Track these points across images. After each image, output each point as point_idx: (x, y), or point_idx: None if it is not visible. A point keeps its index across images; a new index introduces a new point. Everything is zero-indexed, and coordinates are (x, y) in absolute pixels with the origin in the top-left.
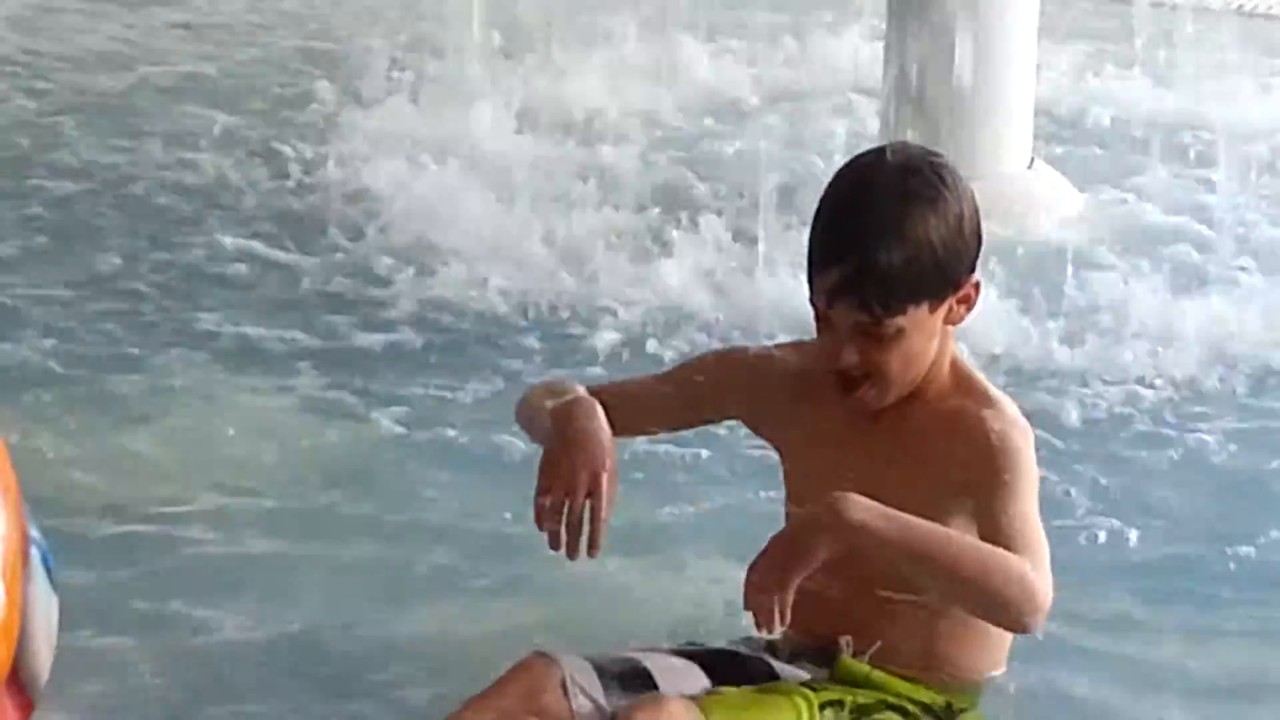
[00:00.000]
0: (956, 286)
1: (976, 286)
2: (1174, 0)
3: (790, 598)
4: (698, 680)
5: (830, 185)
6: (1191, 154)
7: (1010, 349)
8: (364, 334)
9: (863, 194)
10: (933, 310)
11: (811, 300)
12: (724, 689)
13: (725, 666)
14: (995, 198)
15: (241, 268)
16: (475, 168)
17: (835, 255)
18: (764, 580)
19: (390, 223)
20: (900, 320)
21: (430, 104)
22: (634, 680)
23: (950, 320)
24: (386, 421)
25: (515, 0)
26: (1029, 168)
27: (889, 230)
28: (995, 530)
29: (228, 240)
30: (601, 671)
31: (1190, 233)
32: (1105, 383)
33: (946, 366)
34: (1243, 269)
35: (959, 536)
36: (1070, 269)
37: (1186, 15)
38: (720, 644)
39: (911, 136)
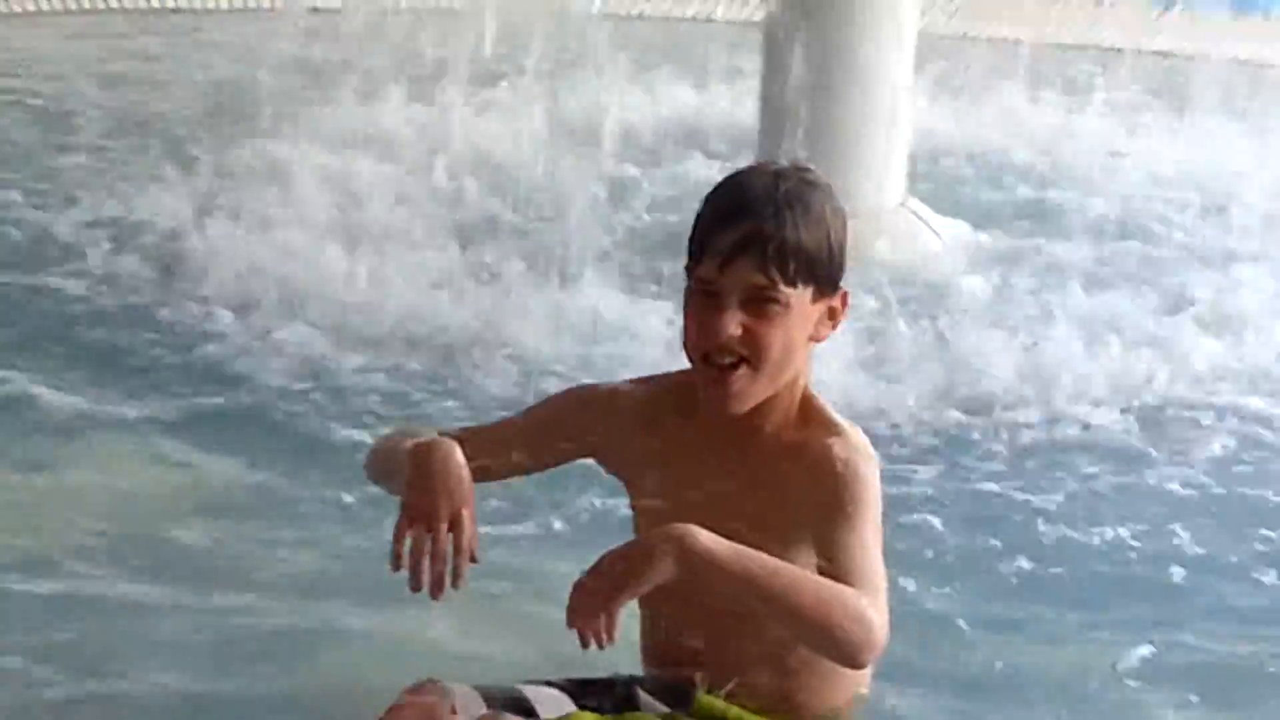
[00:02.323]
0: (834, 288)
1: (844, 302)
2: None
3: (617, 617)
4: (571, 711)
5: (726, 178)
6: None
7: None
8: None
9: (768, 175)
10: (815, 301)
11: (694, 274)
12: (583, 713)
13: (595, 699)
14: (871, 232)
15: None
16: None
17: (741, 214)
18: (591, 597)
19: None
20: (791, 293)
21: None
22: (516, 708)
23: (817, 333)
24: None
25: None
26: (902, 204)
27: (798, 203)
28: (834, 561)
29: None
30: (489, 700)
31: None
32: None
33: (798, 395)
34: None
35: (799, 573)
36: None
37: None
38: (599, 675)
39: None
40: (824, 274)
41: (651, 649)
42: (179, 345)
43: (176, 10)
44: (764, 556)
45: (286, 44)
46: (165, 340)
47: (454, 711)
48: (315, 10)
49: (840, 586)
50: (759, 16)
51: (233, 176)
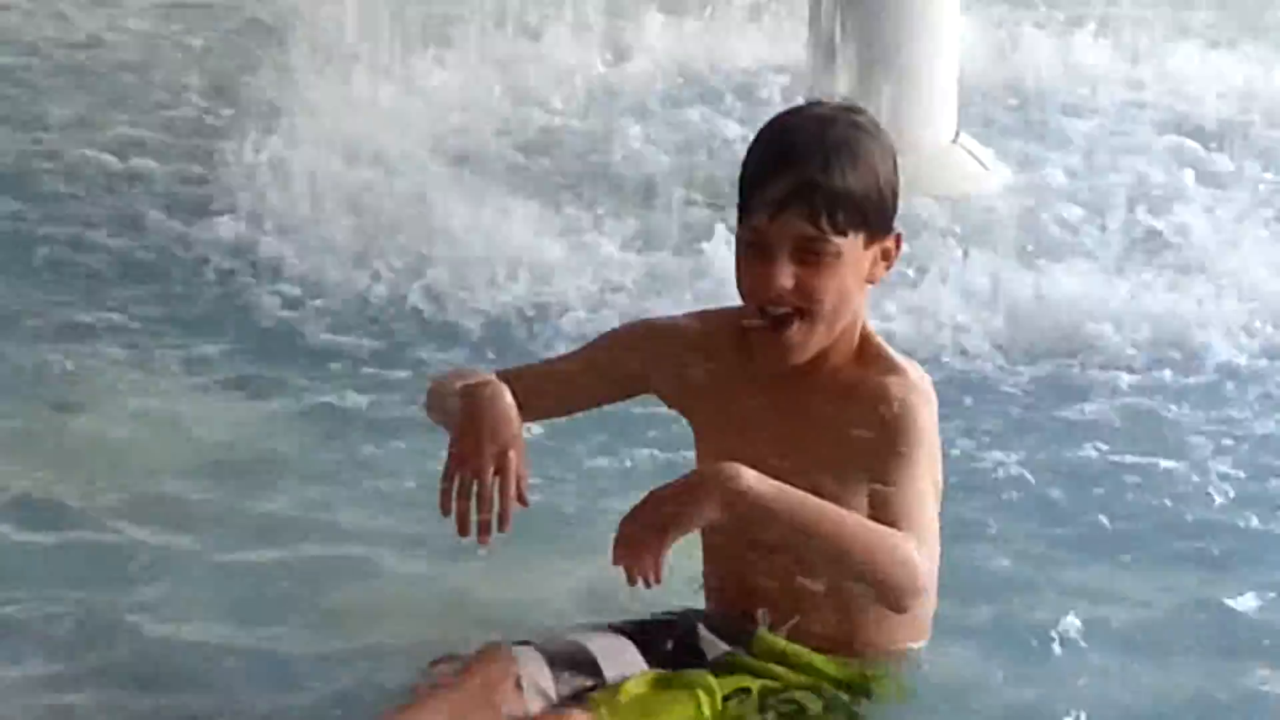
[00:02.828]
0: (887, 230)
1: (898, 242)
2: None
3: (663, 555)
4: (634, 659)
5: (772, 120)
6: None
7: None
8: None
9: (814, 119)
10: (867, 246)
11: (746, 224)
12: (626, 683)
13: (657, 640)
14: (920, 170)
15: None
16: None
17: (789, 163)
18: (637, 535)
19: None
20: (842, 242)
21: None
22: (580, 665)
23: (872, 275)
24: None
25: None
26: (954, 141)
27: (845, 149)
28: (885, 503)
29: None
30: (552, 661)
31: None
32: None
33: (857, 333)
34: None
35: (846, 515)
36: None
37: None
38: (659, 614)
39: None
40: (875, 219)
41: (714, 586)
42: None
43: None
44: (810, 498)
45: None
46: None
47: (519, 686)
48: None
49: (887, 530)
50: None
51: None
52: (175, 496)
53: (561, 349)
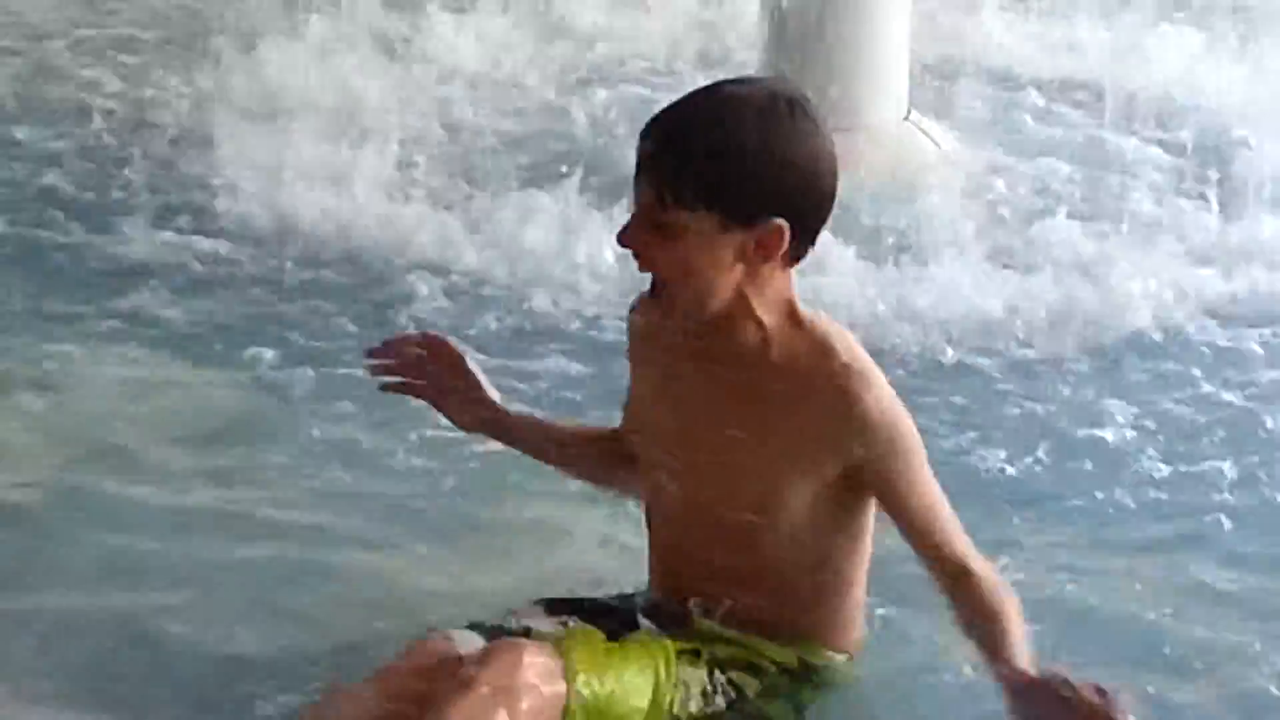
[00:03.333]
0: (754, 216)
1: (780, 236)
2: None
3: None
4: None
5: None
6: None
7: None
8: None
9: (706, 91)
10: (724, 229)
11: None
12: (584, 626)
13: (597, 623)
14: (871, 147)
15: None
16: None
17: (652, 129)
18: None
19: None
20: (683, 217)
21: None
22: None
23: (747, 261)
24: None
25: None
26: (905, 118)
27: (714, 124)
28: (913, 516)
29: None
30: (490, 639)
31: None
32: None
33: (783, 319)
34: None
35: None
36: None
37: None
38: (601, 598)
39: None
40: (729, 200)
41: (655, 570)
42: None
43: None
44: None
45: None
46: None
47: (460, 661)
48: None
49: (996, 603)
50: None
51: None
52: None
53: None
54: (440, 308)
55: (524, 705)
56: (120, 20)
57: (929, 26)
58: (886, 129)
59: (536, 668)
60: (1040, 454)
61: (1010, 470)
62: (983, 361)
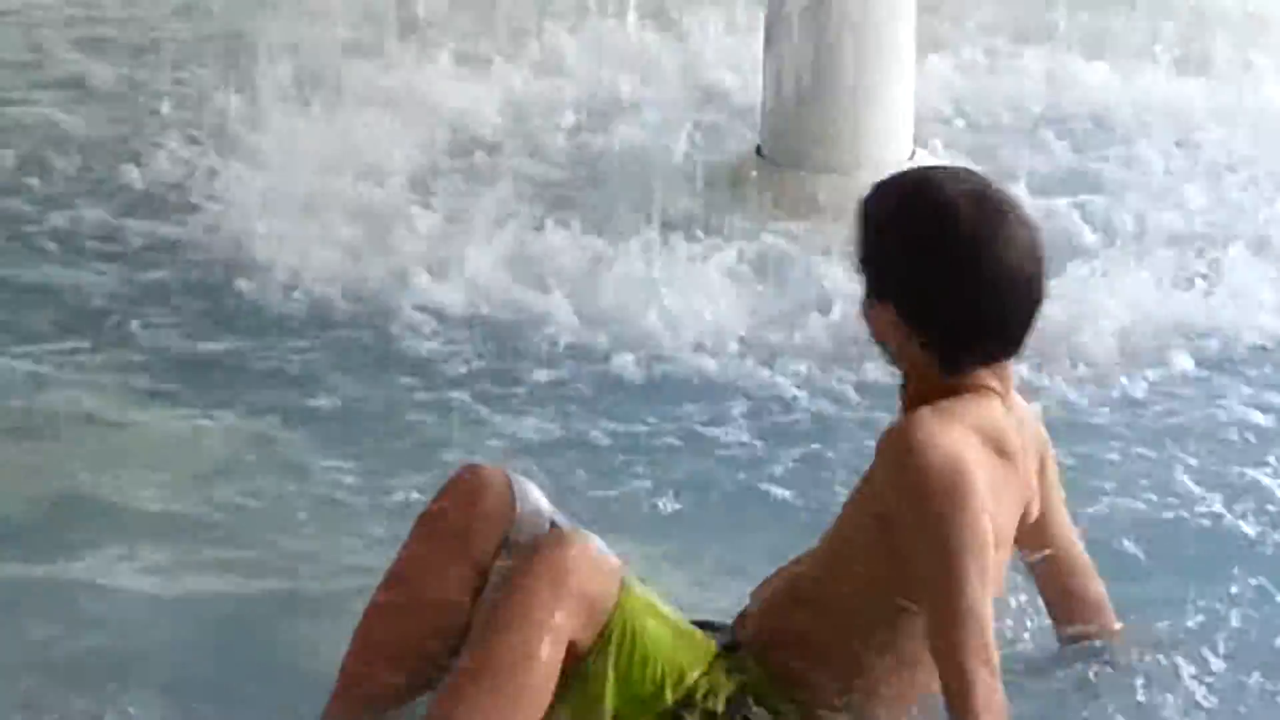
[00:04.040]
0: (878, 294)
1: (888, 314)
2: None
3: None
4: None
5: None
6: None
7: None
8: None
9: (926, 177)
10: (871, 296)
11: None
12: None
13: None
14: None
15: None
16: None
17: None
18: None
19: None
20: (868, 297)
21: None
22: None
23: (896, 335)
24: None
25: None
26: (910, 157)
27: (872, 217)
28: (920, 587)
29: None
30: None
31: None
32: None
33: (920, 395)
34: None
35: None
36: None
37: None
38: None
39: (794, 126)
40: (865, 269)
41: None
42: None
43: None
44: None
45: None
46: None
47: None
48: None
49: None
50: None
51: None
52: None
53: None
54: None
55: (573, 588)
56: None
57: (934, 63)
58: (890, 168)
59: (598, 561)
60: None
61: None
62: None
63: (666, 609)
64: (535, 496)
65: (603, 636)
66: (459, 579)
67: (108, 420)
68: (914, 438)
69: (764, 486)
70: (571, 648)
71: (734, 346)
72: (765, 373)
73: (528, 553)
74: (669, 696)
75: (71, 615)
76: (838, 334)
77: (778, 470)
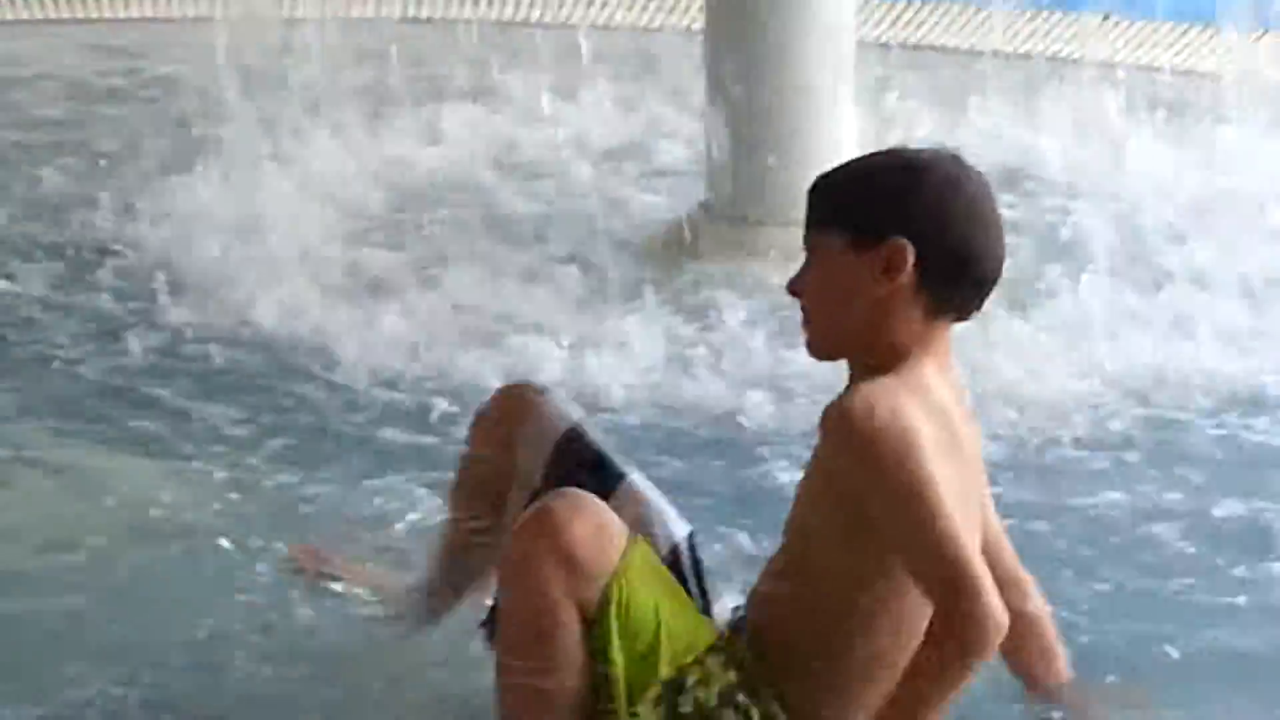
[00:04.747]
0: (875, 234)
1: (903, 256)
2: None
3: None
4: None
5: None
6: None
7: None
8: None
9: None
10: (851, 250)
11: None
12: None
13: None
14: None
15: None
16: None
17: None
18: None
19: None
20: (817, 239)
21: None
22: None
23: (874, 287)
24: None
25: None
26: None
27: (857, 159)
28: (899, 547)
29: None
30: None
31: None
32: None
33: (878, 358)
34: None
35: (904, 688)
36: None
37: None
38: None
39: (735, 172)
40: (852, 218)
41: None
42: None
43: None
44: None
45: None
46: None
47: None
48: None
49: (926, 669)
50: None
51: None
52: None
53: None
54: None
55: (564, 548)
56: None
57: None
58: None
59: (596, 521)
60: None
61: None
62: None
63: (672, 583)
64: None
65: (603, 600)
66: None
67: None
68: (854, 405)
69: None
70: (579, 609)
71: None
72: None
73: (531, 509)
74: (663, 670)
75: None
76: None
77: None
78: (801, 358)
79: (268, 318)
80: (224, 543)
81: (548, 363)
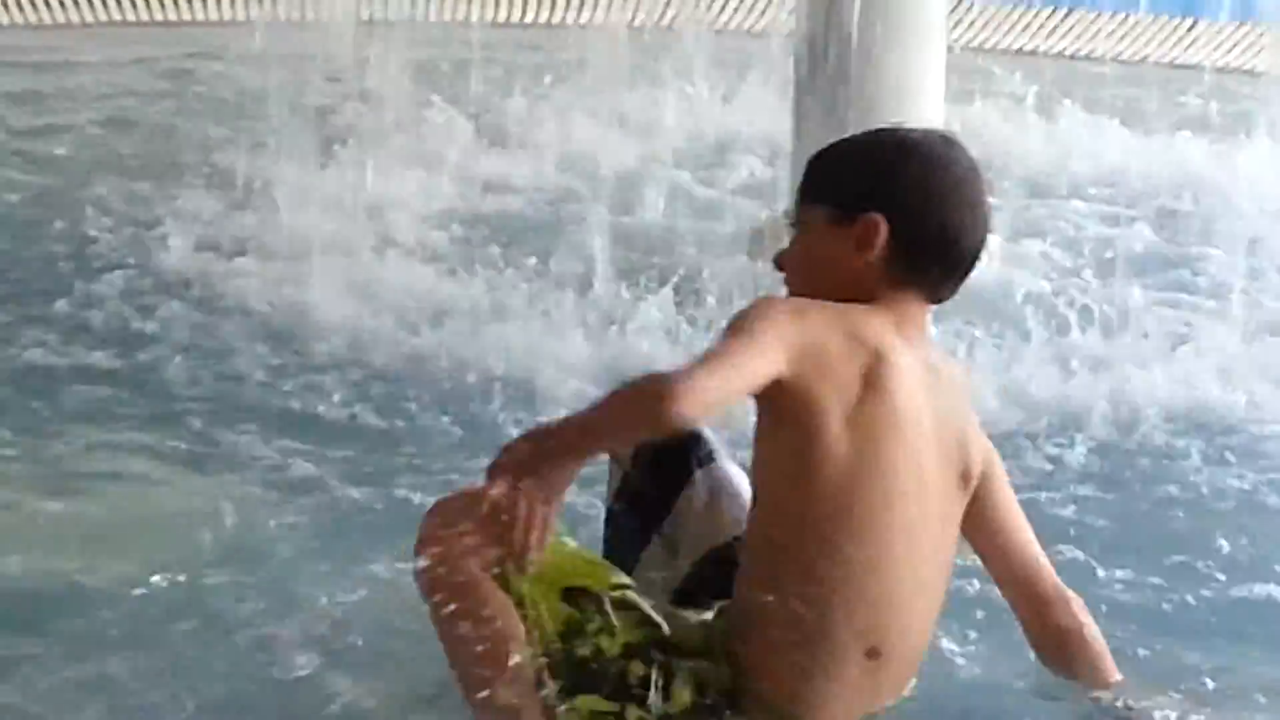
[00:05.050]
0: (854, 209)
1: (873, 229)
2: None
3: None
4: None
5: None
6: None
7: None
8: None
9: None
10: (831, 224)
11: None
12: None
13: None
14: None
15: None
16: None
17: None
18: None
19: None
20: (803, 214)
21: None
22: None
23: (854, 260)
24: None
25: None
26: None
27: (846, 139)
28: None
29: None
30: None
31: None
32: None
33: None
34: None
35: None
36: None
37: None
38: None
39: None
40: (828, 189)
41: None
42: None
43: None
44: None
45: None
46: None
47: None
48: None
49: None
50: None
51: None
52: None
53: None
54: None
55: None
56: None
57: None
58: None
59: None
60: None
61: None
62: None
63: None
64: None
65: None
66: None
67: None
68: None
69: None
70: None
71: None
72: None
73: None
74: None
75: None
76: None
77: None
78: None
79: None
80: None
81: None
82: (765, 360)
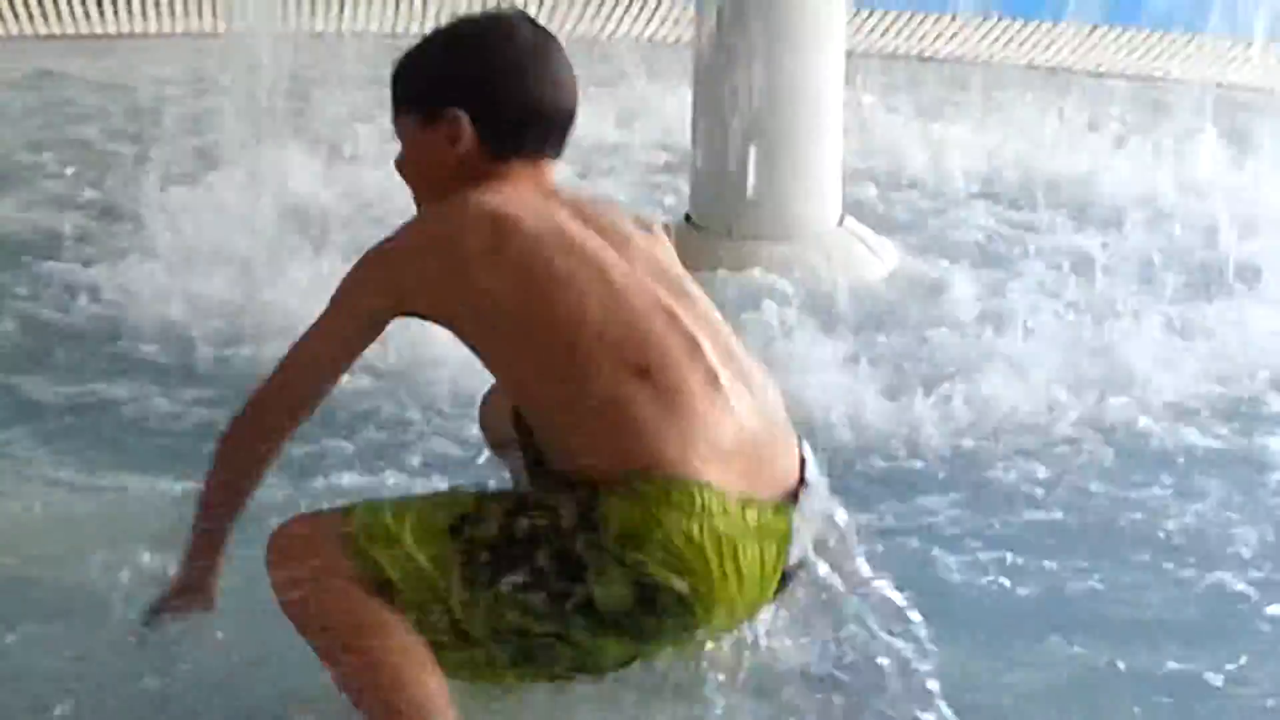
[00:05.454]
0: (436, 108)
1: (456, 124)
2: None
3: None
4: None
5: None
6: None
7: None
8: None
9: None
10: (423, 126)
11: None
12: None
13: None
14: (803, 255)
15: None
16: None
17: None
18: None
19: None
20: (398, 125)
21: None
22: None
23: (446, 156)
24: None
25: None
26: (839, 224)
27: (420, 41)
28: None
29: None
30: None
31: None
32: None
33: None
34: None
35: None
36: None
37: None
38: None
39: (718, 193)
40: (419, 96)
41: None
42: None
43: None
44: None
45: None
46: None
47: None
48: None
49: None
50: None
51: None
52: None
53: None
54: None
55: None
56: None
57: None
58: (822, 236)
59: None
60: None
61: None
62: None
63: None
64: None
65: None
66: None
67: None
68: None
69: None
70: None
71: None
72: None
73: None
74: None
75: None
76: None
77: None
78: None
79: None
80: None
81: None
82: (354, 320)
